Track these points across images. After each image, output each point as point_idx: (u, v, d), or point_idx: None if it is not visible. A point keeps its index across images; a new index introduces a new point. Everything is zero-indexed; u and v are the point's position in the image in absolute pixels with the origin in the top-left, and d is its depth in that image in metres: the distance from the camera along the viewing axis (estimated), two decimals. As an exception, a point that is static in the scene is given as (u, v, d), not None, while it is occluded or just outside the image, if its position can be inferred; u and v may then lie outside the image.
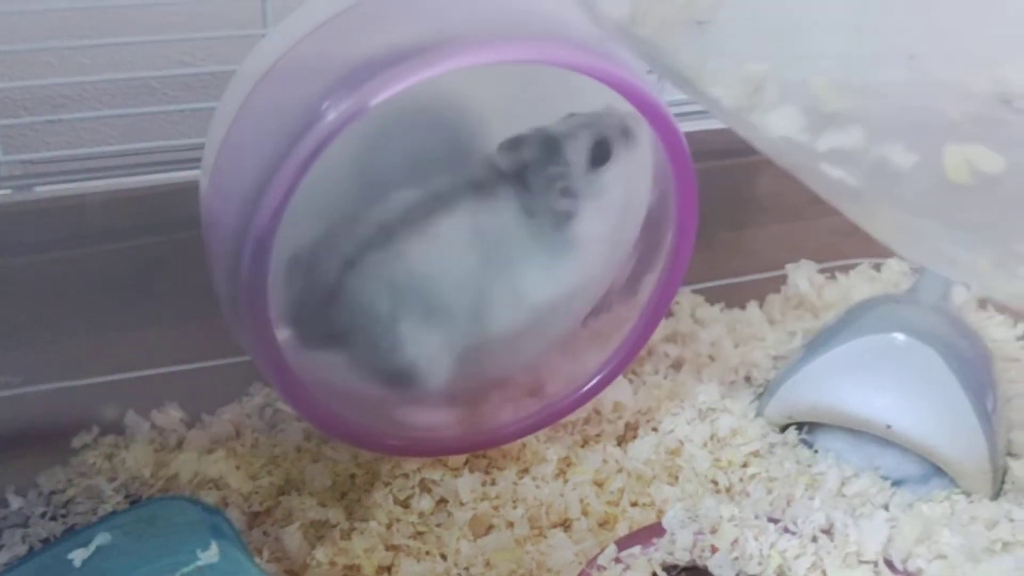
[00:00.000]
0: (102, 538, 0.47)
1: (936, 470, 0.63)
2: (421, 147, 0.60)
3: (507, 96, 0.60)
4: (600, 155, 0.57)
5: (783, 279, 0.81)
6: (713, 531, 0.55)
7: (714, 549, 0.55)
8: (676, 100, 0.66)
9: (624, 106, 0.54)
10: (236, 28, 0.69)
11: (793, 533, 0.56)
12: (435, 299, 0.57)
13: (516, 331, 0.60)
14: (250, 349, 0.54)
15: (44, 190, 0.66)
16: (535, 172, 0.57)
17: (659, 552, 0.54)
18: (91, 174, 0.67)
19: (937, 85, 0.43)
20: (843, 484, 0.62)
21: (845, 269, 0.83)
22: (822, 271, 0.82)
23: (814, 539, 0.55)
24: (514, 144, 0.57)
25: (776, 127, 0.39)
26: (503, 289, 0.58)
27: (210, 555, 0.46)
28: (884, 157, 0.38)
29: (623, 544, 0.55)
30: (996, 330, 0.77)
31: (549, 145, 0.57)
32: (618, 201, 0.59)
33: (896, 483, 0.63)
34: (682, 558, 0.54)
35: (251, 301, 0.50)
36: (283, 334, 0.55)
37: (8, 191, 0.65)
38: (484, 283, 0.58)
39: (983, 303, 0.79)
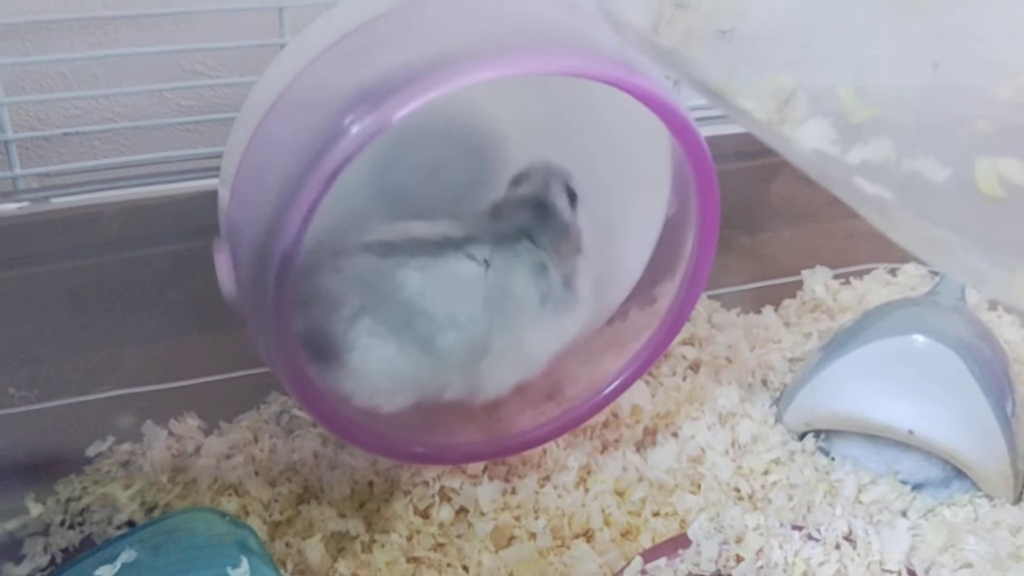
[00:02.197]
0: (127, 555, 0.47)
1: (957, 473, 0.63)
2: (438, 160, 0.60)
3: (524, 112, 0.60)
4: (572, 198, 0.58)
5: (799, 284, 0.81)
6: (738, 541, 0.55)
7: (739, 559, 0.54)
8: (691, 106, 0.66)
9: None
10: (252, 38, 0.69)
11: (817, 540, 0.56)
12: (418, 324, 0.56)
13: (513, 378, 0.59)
14: (271, 358, 0.54)
15: (60, 202, 0.66)
16: (538, 230, 0.57)
17: (685, 564, 0.54)
18: (106, 185, 0.67)
19: (963, 94, 0.43)
20: (860, 491, 0.62)
21: (860, 274, 0.83)
22: (837, 276, 0.82)
23: (837, 546, 0.55)
24: (497, 211, 0.58)
25: (808, 140, 0.38)
26: (504, 340, 0.57)
27: (241, 572, 0.46)
28: (916, 170, 0.38)
29: (648, 556, 0.55)
30: (1007, 331, 0.77)
31: (537, 205, 0.57)
32: (591, 244, 0.59)
33: (916, 487, 0.63)
34: (708, 569, 0.54)
35: (275, 312, 0.49)
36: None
37: (25, 203, 0.65)
38: (482, 329, 0.57)
39: (994, 304, 0.80)
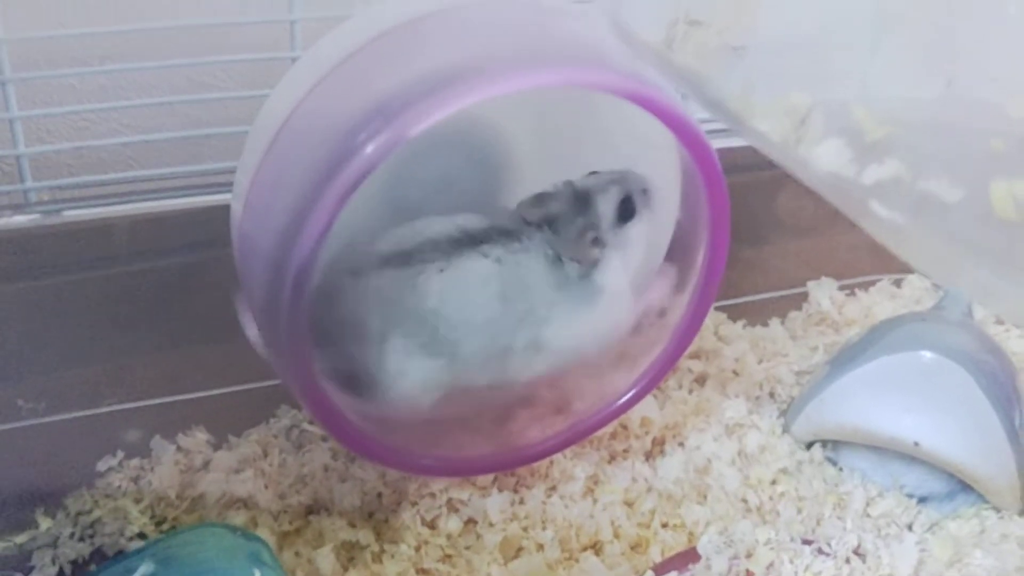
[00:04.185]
0: (145, 568, 0.47)
1: (962, 486, 0.63)
2: (452, 172, 0.61)
3: (535, 123, 0.61)
4: (626, 211, 0.58)
5: (804, 296, 0.81)
6: (748, 555, 0.55)
7: (749, 574, 0.55)
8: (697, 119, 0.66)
9: (643, 168, 0.57)
10: (263, 52, 0.69)
11: (827, 555, 0.56)
12: (443, 332, 0.56)
13: (537, 374, 0.60)
14: (283, 372, 0.54)
15: (71, 215, 0.66)
16: (565, 222, 0.57)
17: (695, 578, 0.54)
18: (117, 199, 0.67)
19: (977, 111, 0.43)
20: (868, 504, 0.62)
21: (865, 286, 0.83)
22: (842, 288, 0.82)
23: (847, 561, 0.55)
24: (540, 199, 0.58)
25: (824, 161, 0.39)
26: (525, 336, 0.58)
27: (255, 584, 0.46)
28: (930, 190, 0.38)
29: (659, 571, 0.55)
30: (1014, 343, 0.77)
31: (579, 198, 0.58)
32: (638, 258, 0.60)
33: (921, 500, 0.63)
34: (718, 583, 0.54)
35: (290, 328, 0.50)
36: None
37: (36, 216, 0.65)
38: (503, 327, 0.57)
39: (1000, 318, 0.80)
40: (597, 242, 0.58)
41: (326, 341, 0.55)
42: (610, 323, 0.60)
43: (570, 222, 0.57)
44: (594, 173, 0.59)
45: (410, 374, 0.56)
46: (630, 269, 0.60)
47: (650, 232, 0.60)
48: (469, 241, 0.56)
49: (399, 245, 0.56)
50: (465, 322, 0.56)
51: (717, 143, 0.63)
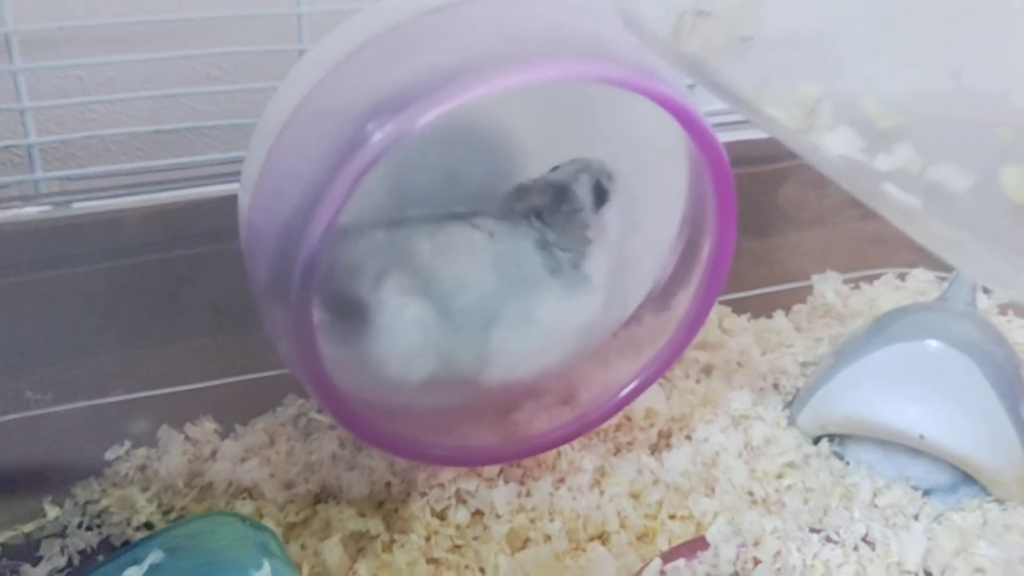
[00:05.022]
0: (155, 556, 0.47)
1: (965, 479, 0.63)
2: (454, 164, 0.61)
3: (539, 114, 0.61)
4: (600, 196, 0.59)
5: (808, 289, 0.81)
6: (756, 543, 0.56)
7: (757, 561, 0.55)
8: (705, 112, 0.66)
9: (598, 153, 0.58)
10: (270, 44, 0.69)
11: (835, 543, 0.56)
12: (435, 283, 0.57)
13: (527, 350, 0.60)
14: (291, 360, 0.54)
15: (81, 206, 0.66)
16: (551, 212, 0.59)
17: (703, 566, 0.55)
18: (126, 191, 0.67)
19: (985, 101, 0.44)
20: (875, 495, 0.63)
21: (870, 279, 0.83)
22: (847, 281, 0.82)
23: (856, 549, 0.56)
24: (521, 191, 0.59)
25: (835, 147, 0.39)
26: (517, 308, 0.58)
27: (263, 575, 0.46)
28: (940, 178, 0.38)
29: (667, 558, 0.55)
30: (1017, 334, 0.77)
31: (556, 189, 0.59)
32: (614, 243, 0.61)
33: (926, 493, 0.63)
34: (726, 571, 0.55)
35: (298, 317, 0.50)
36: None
37: (47, 207, 0.66)
38: (493, 293, 0.58)
39: (1004, 308, 0.80)
40: (586, 230, 0.59)
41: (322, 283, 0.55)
42: (593, 315, 0.61)
43: (555, 211, 0.59)
44: (556, 168, 0.60)
45: (406, 311, 0.56)
46: (611, 254, 0.61)
47: (620, 217, 0.61)
48: (458, 217, 0.58)
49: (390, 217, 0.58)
50: (454, 281, 0.57)
51: (722, 136, 0.63)
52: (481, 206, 0.59)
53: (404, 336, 0.57)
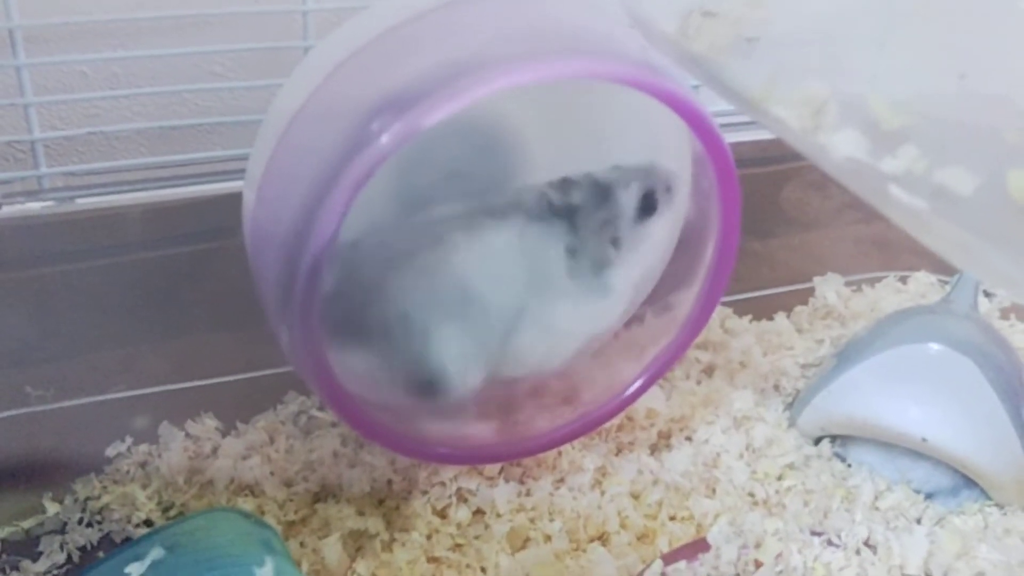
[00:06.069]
0: (156, 552, 0.47)
1: (966, 482, 0.63)
2: (460, 162, 0.61)
3: (547, 113, 0.61)
4: (647, 207, 0.58)
5: (810, 291, 0.81)
6: (757, 545, 0.56)
7: (758, 563, 0.55)
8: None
9: (668, 164, 0.57)
10: (274, 41, 0.69)
11: (837, 546, 0.56)
12: (475, 306, 0.57)
13: (539, 353, 0.60)
14: (296, 360, 0.54)
15: (84, 203, 0.66)
16: (585, 215, 0.58)
17: (704, 567, 0.55)
18: (129, 187, 0.67)
19: (990, 105, 0.44)
20: (877, 498, 0.63)
21: (872, 281, 0.83)
22: (848, 284, 0.82)
23: (857, 552, 0.56)
24: (564, 185, 0.58)
25: (842, 148, 0.39)
26: (535, 311, 0.58)
27: (266, 572, 0.46)
28: (946, 180, 0.38)
29: (668, 559, 0.55)
30: (1019, 338, 0.77)
31: (600, 191, 0.58)
32: (653, 253, 0.61)
33: (927, 496, 0.63)
34: (727, 573, 0.55)
35: (303, 316, 0.50)
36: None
37: (50, 202, 0.66)
38: (522, 300, 0.58)
39: (1006, 312, 0.80)
40: (616, 242, 0.58)
41: (387, 344, 0.56)
42: (610, 322, 0.61)
43: (590, 215, 0.58)
44: (618, 167, 0.59)
45: (457, 356, 0.57)
46: (643, 267, 0.60)
47: (670, 229, 0.60)
48: (493, 216, 0.57)
49: (425, 225, 0.57)
50: (491, 291, 0.57)
51: (726, 137, 0.63)
52: (489, 202, 0.59)
53: (467, 382, 0.58)
